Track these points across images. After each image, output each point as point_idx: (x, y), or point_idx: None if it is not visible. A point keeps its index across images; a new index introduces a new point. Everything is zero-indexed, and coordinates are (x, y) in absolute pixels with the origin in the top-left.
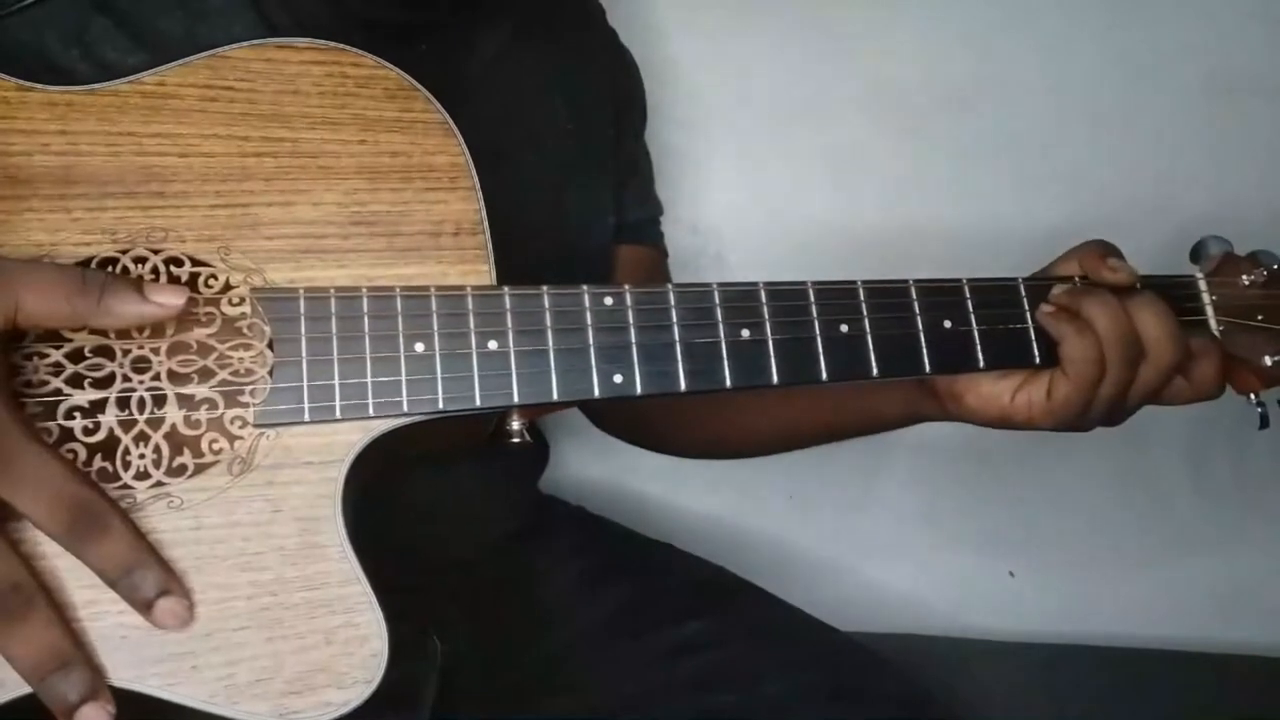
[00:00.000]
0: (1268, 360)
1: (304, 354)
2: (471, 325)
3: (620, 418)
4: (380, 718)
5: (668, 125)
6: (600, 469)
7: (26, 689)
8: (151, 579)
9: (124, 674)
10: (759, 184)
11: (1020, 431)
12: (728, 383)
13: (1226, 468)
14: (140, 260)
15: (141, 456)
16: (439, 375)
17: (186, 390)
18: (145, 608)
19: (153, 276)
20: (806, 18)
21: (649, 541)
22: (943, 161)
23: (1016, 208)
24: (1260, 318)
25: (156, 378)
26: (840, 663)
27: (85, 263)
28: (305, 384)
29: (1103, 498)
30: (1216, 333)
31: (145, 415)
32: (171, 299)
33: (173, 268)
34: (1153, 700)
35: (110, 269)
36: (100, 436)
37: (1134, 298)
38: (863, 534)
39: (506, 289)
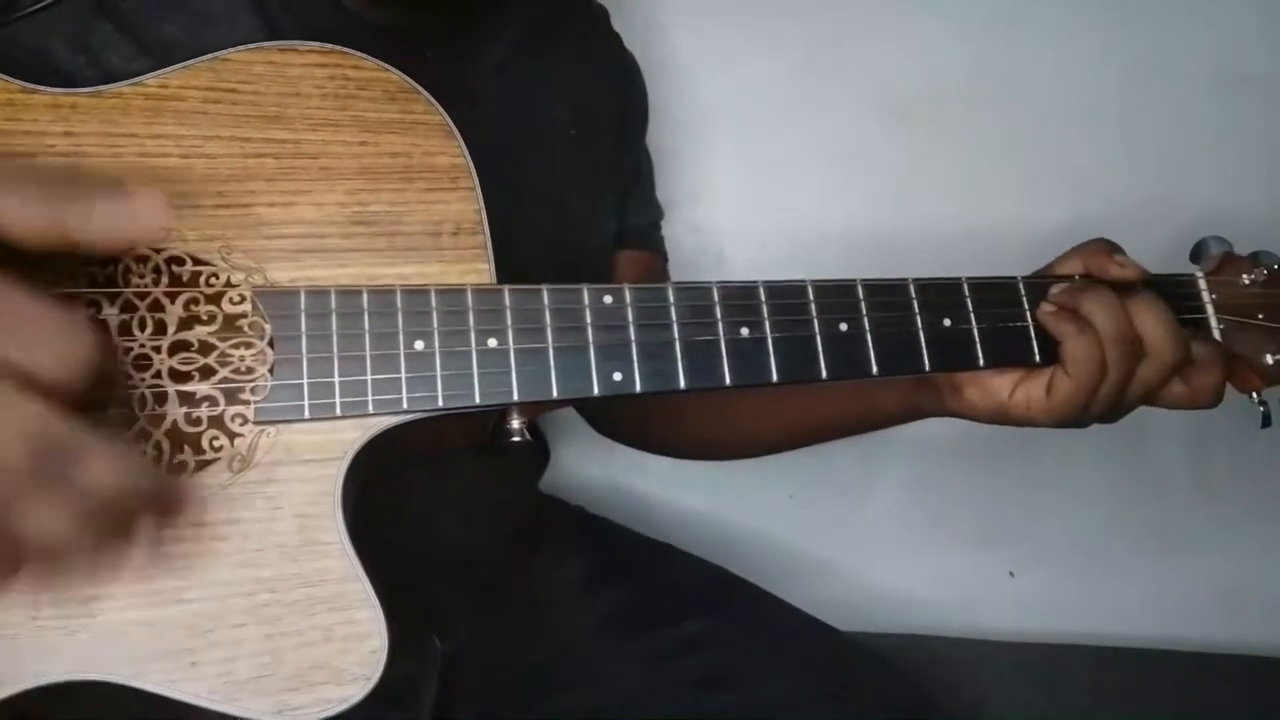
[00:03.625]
0: (1269, 359)
1: (304, 352)
2: (471, 323)
3: (619, 420)
4: (380, 716)
5: (668, 125)
6: (600, 469)
7: (23, 686)
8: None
9: (123, 670)
10: (759, 184)
11: (1019, 431)
12: (727, 381)
13: (1227, 467)
14: (142, 259)
15: (143, 453)
16: (439, 373)
17: (187, 388)
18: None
19: (154, 275)
20: (807, 18)
21: (649, 541)
22: (943, 161)
23: (1017, 207)
24: (1261, 316)
25: (157, 375)
26: (840, 663)
27: (86, 263)
28: (305, 381)
29: (1103, 497)
30: (1217, 331)
31: (146, 412)
32: (155, 212)
33: (174, 267)
34: (1153, 700)
35: (111, 268)
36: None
37: (1133, 296)
38: (863, 534)
39: (506, 287)
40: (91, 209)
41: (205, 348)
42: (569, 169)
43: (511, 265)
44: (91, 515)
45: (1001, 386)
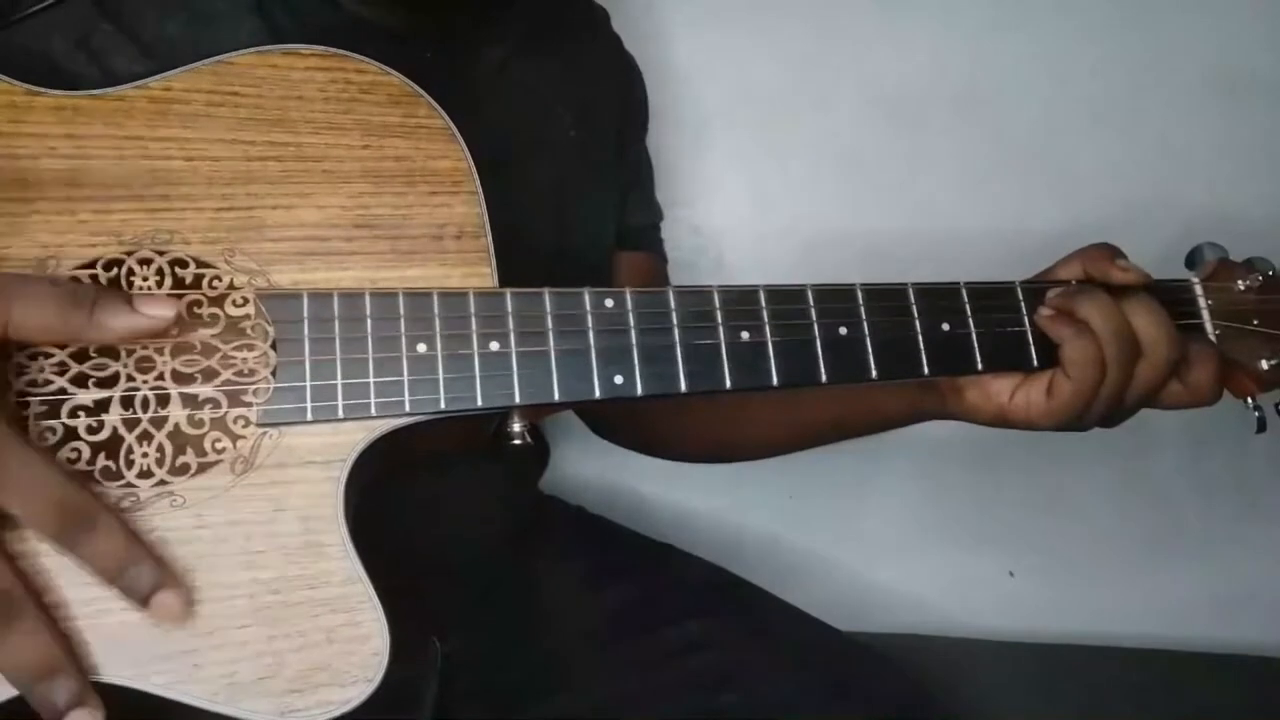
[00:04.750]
0: (1264, 364)
1: (307, 354)
2: (473, 326)
3: (622, 425)
4: (382, 718)
5: (669, 126)
6: (600, 469)
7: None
8: (146, 574)
9: (126, 672)
10: (759, 185)
11: (1019, 433)
12: (727, 384)
13: (1225, 468)
14: (145, 262)
15: (145, 455)
16: (441, 376)
17: (190, 390)
18: (143, 602)
19: (158, 278)
20: (807, 19)
21: (649, 541)
22: (943, 162)
23: (1017, 208)
24: (1256, 322)
25: (160, 377)
26: (840, 663)
27: (90, 264)
28: (308, 384)
29: (1103, 498)
30: (1213, 337)
31: (149, 414)
32: (162, 310)
33: (178, 269)
34: (1153, 700)
35: (115, 271)
36: (104, 435)
37: (1128, 298)
38: (863, 534)
39: (508, 290)
40: (102, 320)
41: (208, 350)
42: (569, 170)
43: (511, 266)
44: None
45: (1002, 390)
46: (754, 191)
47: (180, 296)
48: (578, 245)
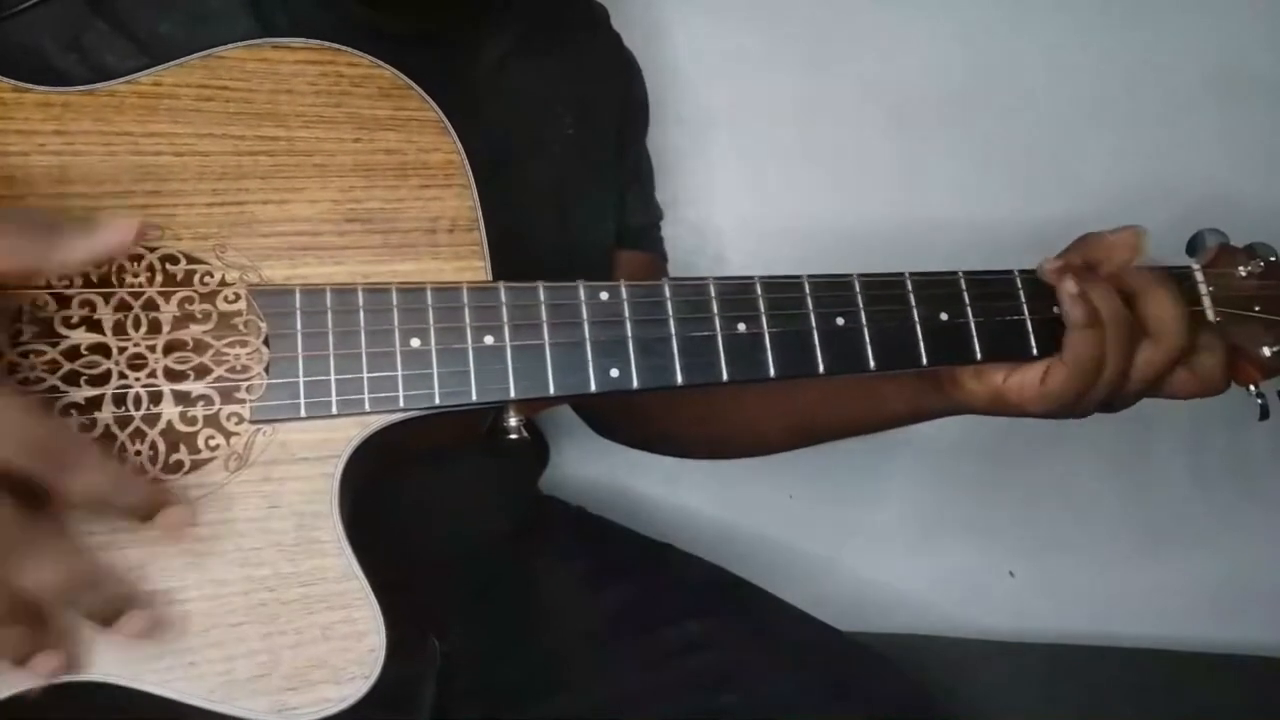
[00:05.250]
0: (1266, 351)
1: (300, 350)
2: (467, 320)
3: (620, 421)
4: (379, 718)
5: (669, 125)
6: (600, 469)
7: (22, 686)
8: (146, 494)
9: (120, 671)
10: (759, 184)
11: (1020, 432)
12: (724, 376)
13: (1227, 468)
14: (136, 258)
15: (138, 453)
16: (435, 370)
17: (182, 387)
18: (147, 520)
19: (149, 274)
20: (807, 18)
21: (649, 541)
22: (943, 161)
23: (1017, 206)
24: (1257, 308)
25: (152, 375)
26: (841, 663)
27: None
28: (301, 380)
29: (1103, 498)
30: (1214, 323)
31: (141, 412)
32: (122, 233)
33: (169, 265)
34: (1153, 700)
35: (105, 268)
36: (97, 434)
37: (1150, 280)
38: (863, 534)
39: (502, 284)
40: (67, 246)
41: (200, 346)
42: (569, 170)
43: (511, 266)
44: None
45: (996, 373)
46: (754, 191)
47: (171, 293)
48: (577, 245)
